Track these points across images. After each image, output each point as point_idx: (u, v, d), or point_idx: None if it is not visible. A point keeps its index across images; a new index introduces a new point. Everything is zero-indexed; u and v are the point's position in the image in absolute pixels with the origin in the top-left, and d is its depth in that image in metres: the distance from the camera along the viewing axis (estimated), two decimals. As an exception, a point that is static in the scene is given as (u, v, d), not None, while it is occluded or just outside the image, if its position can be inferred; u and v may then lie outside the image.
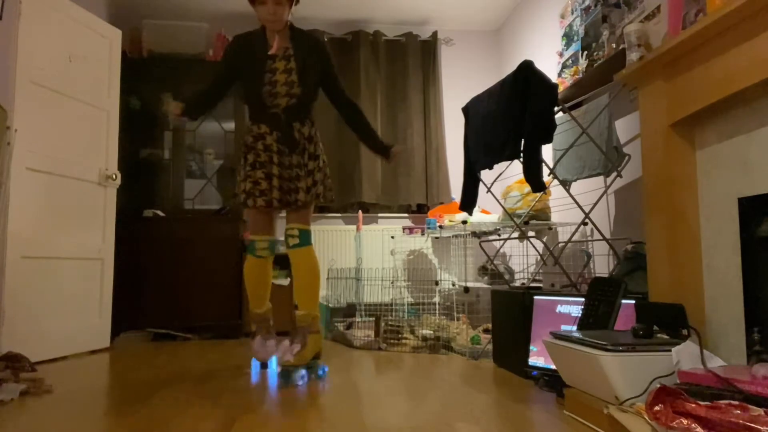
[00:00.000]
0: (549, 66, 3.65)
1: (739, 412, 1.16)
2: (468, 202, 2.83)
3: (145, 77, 4.09)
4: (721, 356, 1.66)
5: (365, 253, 4.18)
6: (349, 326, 3.59)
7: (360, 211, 4.11)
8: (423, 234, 3.94)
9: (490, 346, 2.73)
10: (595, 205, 2.69)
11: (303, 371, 2.27)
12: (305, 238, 2.42)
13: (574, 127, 2.84)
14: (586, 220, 2.62)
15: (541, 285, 3.04)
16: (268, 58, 2.36)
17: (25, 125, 2.76)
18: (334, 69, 2.48)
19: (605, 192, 2.69)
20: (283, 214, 2.54)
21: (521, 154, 2.38)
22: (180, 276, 3.74)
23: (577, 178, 2.92)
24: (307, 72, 2.39)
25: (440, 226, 3.58)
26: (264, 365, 2.61)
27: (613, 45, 2.74)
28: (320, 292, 3.97)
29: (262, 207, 2.38)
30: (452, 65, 4.78)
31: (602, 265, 2.95)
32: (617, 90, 2.64)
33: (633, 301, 1.81)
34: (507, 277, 3.46)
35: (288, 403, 1.90)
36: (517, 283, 3.56)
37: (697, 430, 1.18)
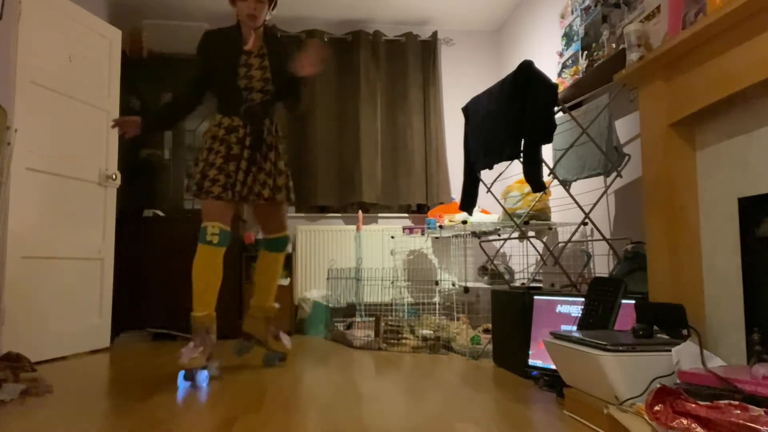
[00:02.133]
0: (549, 66, 3.65)
1: (739, 412, 1.16)
2: (468, 202, 2.83)
3: (145, 77, 4.09)
4: (721, 356, 1.66)
5: (365, 253, 4.18)
6: (349, 326, 3.59)
7: (360, 211, 4.11)
8: (423, 234, 3.94)
9: (490, 346, 2.73)
10: (595, 205, 2.69)
11: (282, 354, 2.66)
12: (285, 245, 2.66)
13: (574, 127, 2.84)
14: (586, 220, 2.62)
15: (541, 285, 3.04)
16: (243, 53, 2.43)
17: (25, 125, 2.76)
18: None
19: (605, 192, 2.69)
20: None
21: (521, 154, 2.38)
22: (180, 276, 3.73)
23: (577, 178, 2.92)
24: (278, 73, 2.47)
25: (440, 226, 3.58)
26: (189, 377, 2.20)
27: (613, 45, 2.74)
28: (320, 292, 4.02)
29: (228, 199, 2.38)
30: (452, 65, 4.78)
31: (602, 265, 2.95)
32: (617, 90, 2.64)
33: (633, 301, 1.81)
34: (507, 277, 3.46)
35: (288, 403, 1.90)
36: (517, 283, 3.56)
37: (697, 430, 1.18)
